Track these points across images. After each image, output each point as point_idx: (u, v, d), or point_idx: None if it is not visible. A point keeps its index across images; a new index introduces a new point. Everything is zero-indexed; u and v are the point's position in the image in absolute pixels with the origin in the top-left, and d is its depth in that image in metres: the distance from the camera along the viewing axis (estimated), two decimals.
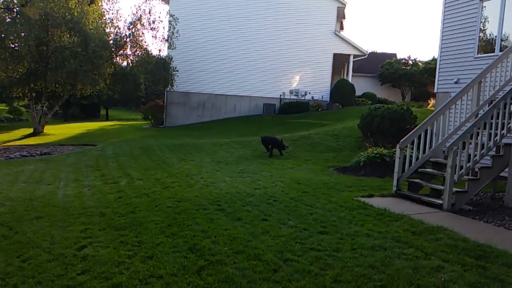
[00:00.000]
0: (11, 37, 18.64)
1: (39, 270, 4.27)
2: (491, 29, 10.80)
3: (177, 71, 24.07)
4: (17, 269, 4.32)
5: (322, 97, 24.44)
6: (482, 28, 11.02)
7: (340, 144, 13.80)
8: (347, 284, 3.84)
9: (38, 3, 17.16)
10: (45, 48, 20.29)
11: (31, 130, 23.08)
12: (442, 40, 12.03)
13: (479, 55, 10.85)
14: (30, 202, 7.12)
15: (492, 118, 7.11)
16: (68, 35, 20.73)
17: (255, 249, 4.65)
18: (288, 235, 5.11)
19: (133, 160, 12.03)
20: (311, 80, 24.68)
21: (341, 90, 24.14)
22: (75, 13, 19.88)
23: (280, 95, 24.66)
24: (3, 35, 18.18)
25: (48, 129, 23.93)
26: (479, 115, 7.35)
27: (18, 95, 24.55)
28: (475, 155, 7.02)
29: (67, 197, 7.51)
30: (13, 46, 19.54)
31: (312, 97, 24.30)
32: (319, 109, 23.45)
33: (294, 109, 23.32)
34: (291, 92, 24.60)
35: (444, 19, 12.01)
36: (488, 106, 7.76)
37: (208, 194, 7.48)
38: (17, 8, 17.90)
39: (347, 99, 23.97)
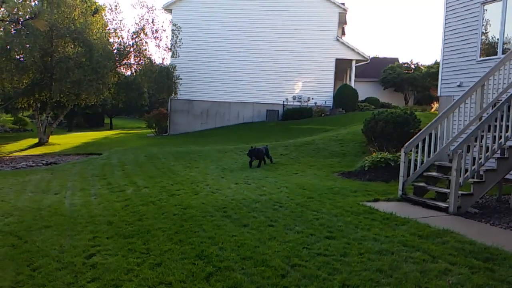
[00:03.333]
0: (16, 49, 18.81)
1: (49, 278, 4.31)
2: (493, 32, 10.83)
3: (181, 79, 24.21)
4: (27, 278, 4.36)
5: (325, 102, 24.50)
6: (484, 31, 11.06)
7: (344, 149, 13.81)
8: None
9: (44, 15, 17.36)
10: (49, 58, 20.49)
11: (36, 140, 23.23)
12: (444, 43, 12.06)
13: (482, 58, 10.88)
14: (38, 212, 7.18)
15: (496, 121, 7.13)
16: (72, 46, 20.96)
17: (262, 255, 4.67)
18: (295, 241, 5.13)
19: (138, 168, 12.10)
20: (313, 86, 24.75)
21: (344, 95, 24.18)
22: (78, 24, 20.09)
23: (283, 101, 24.74)
24: (8, 47, 18.38)
25: (53, 139, 24.08)
26: (483, 118, 7.37)
27: (23, 106, 24.73)
28: (480, 158, 7.03)
29: (74, 206, 7.57)
30: (18, 57, 19.75)
31: (315, 103, 24.37)
32: (322, 115, 23.49)
33: (297, 115, 23.39)
34: (294, 98, 24.70)
35: (446, 23, 12.05)
36: (492, 108, 7.78)
37: (214, 201, 7.51)
38: (22, 20, 18.10)
39: (350, 104, 24.00)
